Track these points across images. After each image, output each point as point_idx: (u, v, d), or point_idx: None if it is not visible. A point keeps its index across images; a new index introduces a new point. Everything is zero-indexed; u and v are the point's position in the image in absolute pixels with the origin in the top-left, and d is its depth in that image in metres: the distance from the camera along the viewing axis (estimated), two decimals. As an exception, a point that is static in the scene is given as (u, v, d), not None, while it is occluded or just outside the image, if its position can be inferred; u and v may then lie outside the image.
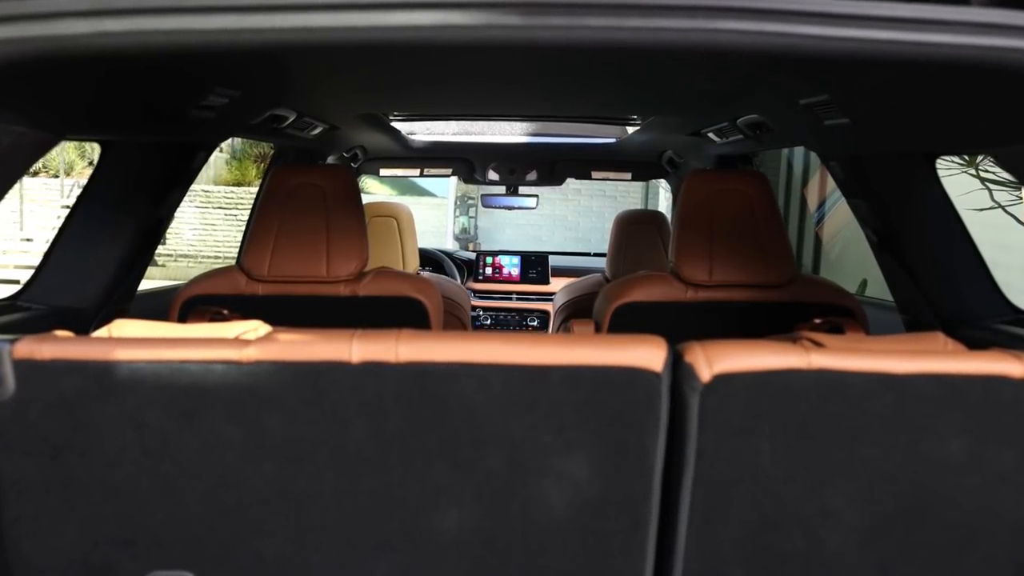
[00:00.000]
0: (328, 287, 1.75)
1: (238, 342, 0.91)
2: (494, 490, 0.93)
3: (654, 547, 0.97)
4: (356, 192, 1.80)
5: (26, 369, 0.89)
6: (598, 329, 1.79)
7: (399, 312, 1.76)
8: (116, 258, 1.68)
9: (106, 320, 1.72)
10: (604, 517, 0.94)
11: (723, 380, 0.90)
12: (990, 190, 3.13)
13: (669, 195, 11.03)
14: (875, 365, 0.90)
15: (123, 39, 0.81)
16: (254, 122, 1.97)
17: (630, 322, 1.76)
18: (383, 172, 3.52)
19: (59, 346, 0.90)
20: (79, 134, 1.47)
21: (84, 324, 1.64)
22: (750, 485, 0.93)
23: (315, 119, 2.31)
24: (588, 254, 4.65)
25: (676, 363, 0.93)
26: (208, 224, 12.75)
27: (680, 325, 1.76)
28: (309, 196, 1.75)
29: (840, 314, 1.75)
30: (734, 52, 0.83)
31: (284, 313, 1.75)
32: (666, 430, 0.93)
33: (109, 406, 0.90)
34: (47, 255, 1.65)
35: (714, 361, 0.91)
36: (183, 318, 1.75)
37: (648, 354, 0.91)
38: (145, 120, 1.46)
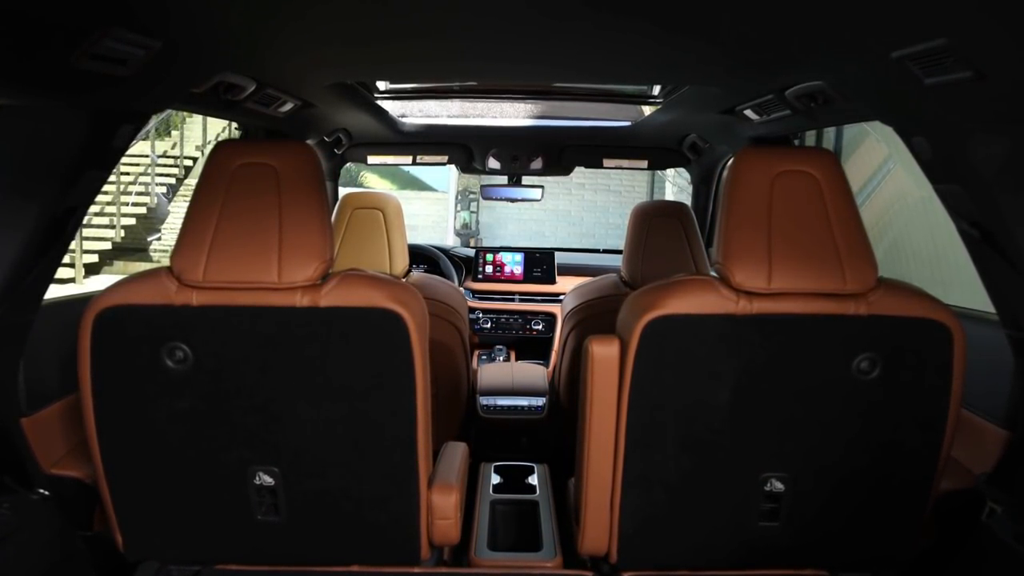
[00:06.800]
0: (281, 296, 1.38)
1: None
2: None
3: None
4: (318, 173, 1.43)
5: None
6: (625, 347, 1.41)
7: (371, 328, 1.39)
8: (8, 258, 1.31)
9: None
10: None
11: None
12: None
13: (676, 189, 10.72)
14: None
15: None
16: (198, 90, 1.60)
17: (667, 340, 1.39)
18: (371, 160, 3.17)
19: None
20: None
21: None
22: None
23: (281, 91, 1.94)
24: (597, 250, 4.23)
25: None
26: (203, 219, 12.42)
27: (732, 345, 1.39)
28: (258, 179, 1.39)
29: (933, 332, 1.38)
30: None
31: (223, 330, 1.39)
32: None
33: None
34: None
35: None
36: (97, 335, 1.38)
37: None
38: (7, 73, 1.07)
